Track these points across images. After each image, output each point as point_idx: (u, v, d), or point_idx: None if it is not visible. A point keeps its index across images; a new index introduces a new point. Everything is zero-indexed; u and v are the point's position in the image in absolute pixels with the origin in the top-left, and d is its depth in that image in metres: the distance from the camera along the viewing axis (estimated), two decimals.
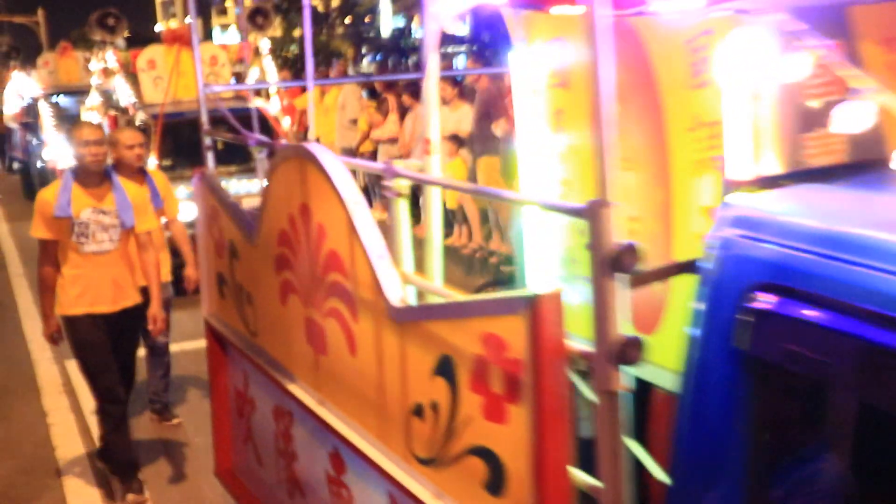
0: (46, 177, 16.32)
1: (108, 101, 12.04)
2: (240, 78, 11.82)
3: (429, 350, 2.35)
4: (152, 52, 11.56)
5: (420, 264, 2.78)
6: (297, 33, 27.03)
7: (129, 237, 5.29)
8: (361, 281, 2.67)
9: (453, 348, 2.24)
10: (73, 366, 7.42)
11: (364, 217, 2.66)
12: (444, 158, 10.55)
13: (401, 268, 2.66)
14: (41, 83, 18.26)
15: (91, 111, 12.99)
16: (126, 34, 11.40)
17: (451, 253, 10.68)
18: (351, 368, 2.83)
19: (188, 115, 10.99)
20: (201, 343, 4.52)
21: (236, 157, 11.28)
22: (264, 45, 11.93)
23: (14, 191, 19.51)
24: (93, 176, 5.12)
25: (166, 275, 6.03)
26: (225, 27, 51.18)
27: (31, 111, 17.73)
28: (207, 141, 4.52)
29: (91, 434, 6.46)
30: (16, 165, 21.60)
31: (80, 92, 16.60)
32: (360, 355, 2.76)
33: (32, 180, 17.80)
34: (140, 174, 5.94)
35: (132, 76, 11.57)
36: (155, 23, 57.93)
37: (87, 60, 13.20)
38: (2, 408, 7.23)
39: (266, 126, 11.66)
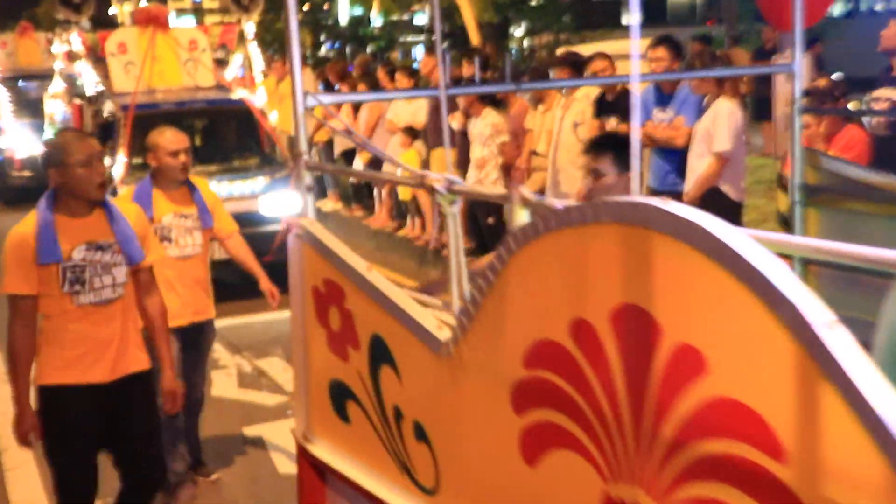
0: (5, 168, 14.93)
1: (73, 87, 10.69)
2: (221, 64, 10.56)
3: None
4: (123, 34, 10.03)
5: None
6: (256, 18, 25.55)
7: (131, 280, 3.88)
8: (836, 470, 1.34)
9: None
10: None
11: (854, 354, 1.31)
12: (399, 150, 9.69)
13: None
14: None
15: (54, 99, 11.61)
16: (91, 14, 10.09)
17: (403, 244, 10.13)
18: None
19: (163, 105, 9.57)
20: None
21: (216, 153, 9.72)
22: (250, 29, 10.32)
23: None
24: (80, 202, 3.67)
25: (192, 316, 4.70)
26: (181, 11, 48.95)
27: None
28: (308, 179, 3.05)
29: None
30: None
31: (41, 76, 15.15)
32: None
33: None
34: (185, 186, 4.80)
35: (100, 61, 10.27)
36: (109, 5, 55.85)
37: (49, 42, 11.76)
38: None
39: (249, 122, 10.51)
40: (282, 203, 9.28)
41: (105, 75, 9.85)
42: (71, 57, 9.90)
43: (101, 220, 3.77)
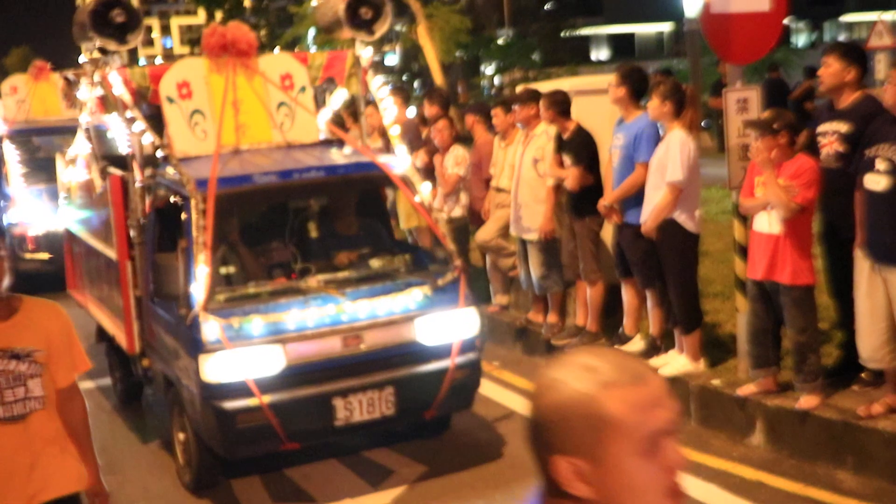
0: (14, 249, 11.23)
1: (103, 149, 7.13)
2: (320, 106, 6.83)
3: None
4: (187, 69, 5.93)
5: None
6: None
7: None
8: None
9: None
10: None
11: None
12: None
13: None
14: (7, 115, 13.04)
15: (72, 166, 7.23)
16: (138, 40, 6.34)
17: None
18: None
19: (260, 179, 5.23)
20: None
21: (343, 249, 5.61)
22: (367, 54, 6.31)
23: None
24: None
25: None
26: (151, 58, 45.54)
27: None
28: None
29: None
30: None
31: (60, 130, 11.53)
32: None
33: None
34: None
35: (150, 109, 6.60)
36: (79, 54, 52.34)
37: (72, 85, 8.02)
38: None
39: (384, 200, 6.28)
40: (450, 326, 5.74)
41: (159, 131, 6.24)
42: (107, 105, 6.30)
43: None
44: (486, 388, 6.13)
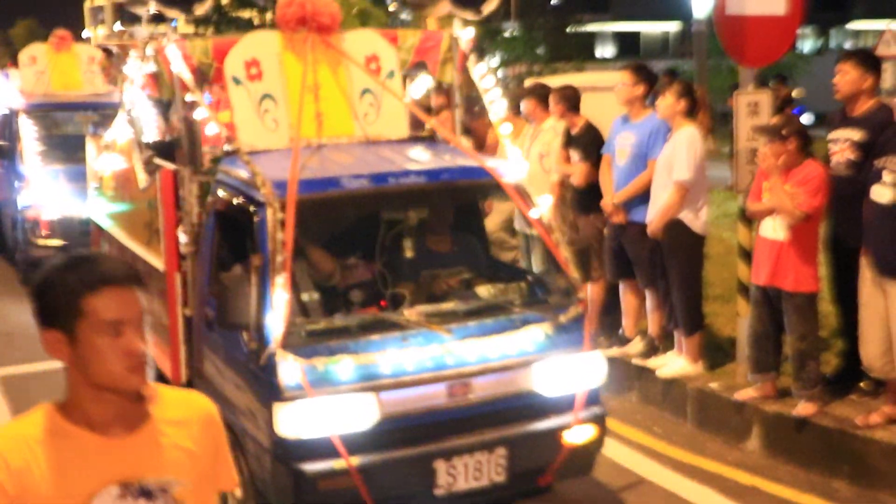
0: (26, 233, 10.23)
1: (140, 134, 6.05)
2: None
3: None
4: (256, 45, 4.88)
5: None
6: None
7: None
8: None
9: None
10: None
11: None
12: None
13: None
14: (24, 87, 11.99)
15: (111, 152, 6.16)
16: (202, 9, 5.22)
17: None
18: None
19: (350, 184, 4.12)
20: None
21: (444, 274, 4.60)
22: (467, 36, 5.27)
23: None
24: None
25: None
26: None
27: (5, 130, 10.14)
28: None
29: None
30: None
31: (82, 106, 10.48)
32: None
33: (4, 235, 11.60)
34: None
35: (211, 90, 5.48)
36: (82, 29, 51.34)
37: (112, 58, 6.89)
38: None
39: (470, 203, 5.14)
40: (573, 373, 4.72)
41: (224, 119, 5.17)
42: (161, 84, 5.27)
43: None
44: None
